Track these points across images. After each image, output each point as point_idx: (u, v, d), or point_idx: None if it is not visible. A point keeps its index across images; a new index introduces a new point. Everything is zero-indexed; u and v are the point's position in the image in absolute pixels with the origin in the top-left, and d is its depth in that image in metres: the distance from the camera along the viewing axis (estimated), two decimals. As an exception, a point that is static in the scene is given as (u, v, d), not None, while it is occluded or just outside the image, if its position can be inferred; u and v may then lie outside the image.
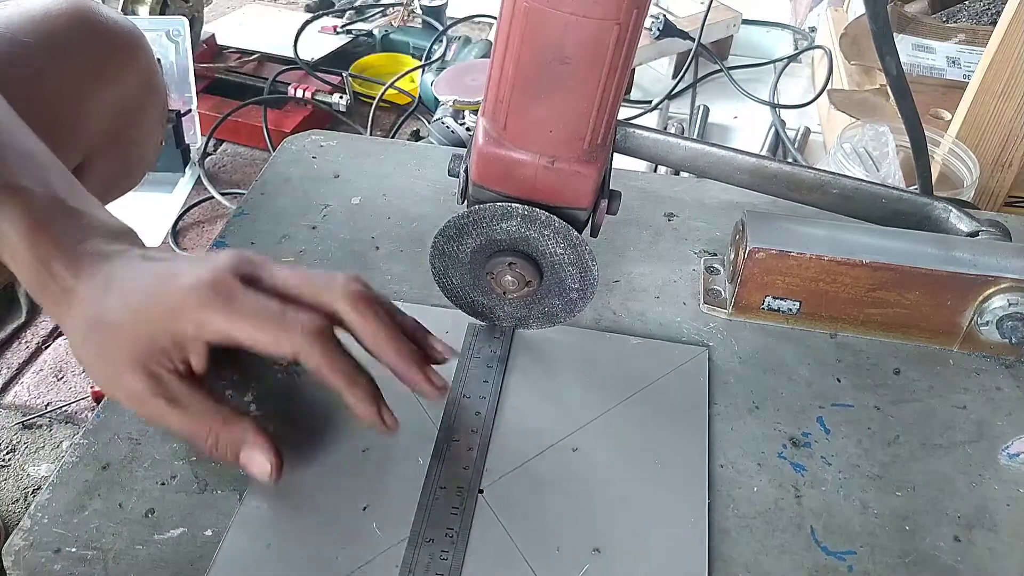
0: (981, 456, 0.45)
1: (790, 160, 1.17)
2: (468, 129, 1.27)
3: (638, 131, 0.56)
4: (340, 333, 0.39)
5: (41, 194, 0.42)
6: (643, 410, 0.46)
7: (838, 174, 0.56)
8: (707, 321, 0.52)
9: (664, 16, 1.30)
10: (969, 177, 0.88)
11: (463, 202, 0.43)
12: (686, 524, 0.40)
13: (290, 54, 1.52)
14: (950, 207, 0.55)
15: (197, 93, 1.32)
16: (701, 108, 1.30)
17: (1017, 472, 0.44)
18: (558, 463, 0.43)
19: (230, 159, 1.41)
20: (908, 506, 0.42)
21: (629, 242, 0.58)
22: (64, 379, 0.99)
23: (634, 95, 1.37)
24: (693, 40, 1.30)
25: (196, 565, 0.38)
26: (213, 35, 1.57)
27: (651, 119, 1.30)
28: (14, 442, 0.92)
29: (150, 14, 1.35)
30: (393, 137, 1.42)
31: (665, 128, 1.26)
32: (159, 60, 0.71)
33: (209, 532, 0.39)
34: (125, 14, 0.96)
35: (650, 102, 1.31)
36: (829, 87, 1.22)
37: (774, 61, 1.43)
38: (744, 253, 0.49)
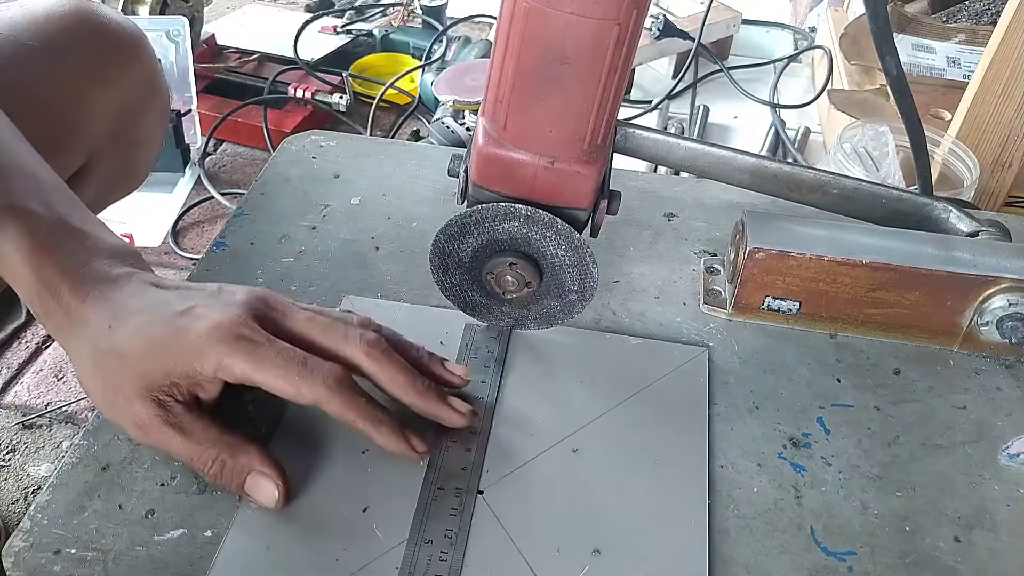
0: (981, 456, 0.45)
1: (790, 160, 1.17)
2: (468, 129, 1.27)
3: (638, 131, 0.56)
4: None
5: (44, 215, 0.42)
6: (643, 410, 0.46)
7: (838, 174, 0.56)
8: (707, 321, 0.52)
9: (664, 16, 1.30)
10: (969, 177, 0.88)
11: (463, 202, 0.43)
12: (686, 525, 0.40)
13: (290, 54, 1.52)
14: (950, 207, 0.55)
15: (197, 93, 1.32)
16: (701, 108, 1.30)
17: (1017, 472, 0.44)
18: (558, 464, 0.43)
19: (230, 159, 1.41)
20: (908, 506, 0.42)
21: (629, 242, 0.58)
22: (64, 379, 0.99)
23: (634, 95, 1.37)
24: (693, 40, 1.30)
25: (196, 566, 0.38)
26: (213, 35, 1.57)
27: (651, 119, 1.30)
28: (14, 442, 0.92)
29: (150, 14, 1.36)
30: (393, 137, 1.42)
31: (665, 128, 1.26)
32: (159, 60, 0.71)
33: (209, 533, 0.39)
34: (125, 14, 0.96)
35: (650, 102, 1.31)
36: (829, 87, 1.22)
37: (774, 61, 1.43)
38: (744, 253, 0.49)
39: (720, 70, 1.38)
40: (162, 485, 0.41)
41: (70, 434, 0.93)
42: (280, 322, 0.41)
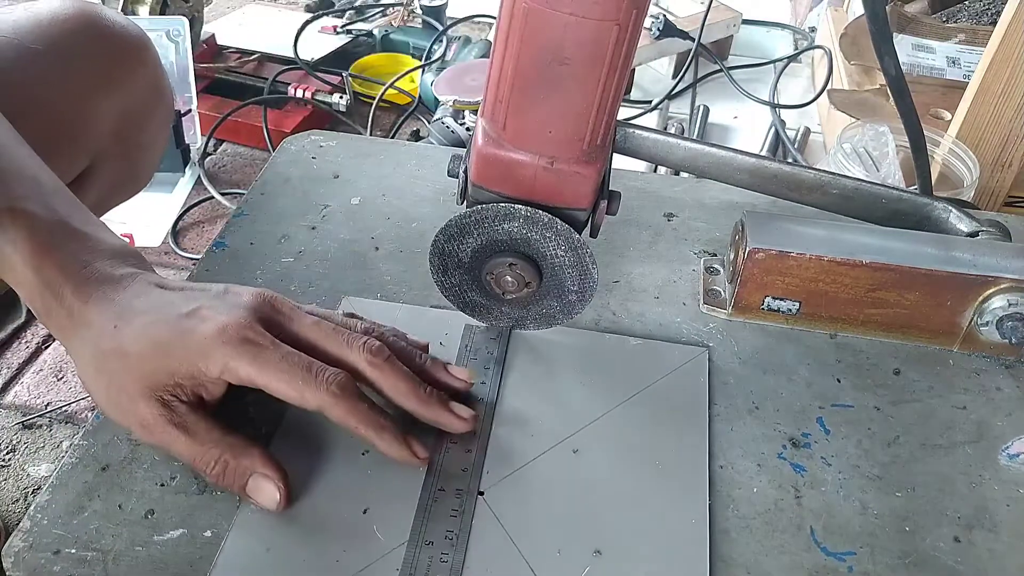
0: (981, 456, 0.45)
1: (790, 160, 1.17)
2: (468, 129, 1.27)
3: (638, 131, 0.56)
4: None
5: (45, 217, 0.42)
6: (643, 411, 0.46)
7: (838, 174, 0.56)
8: (707, 321, 0.52)
9: (664, 16, 1.30)
10: (969, 177, 0.88)
11: (462, 203, 0.43)
12: (687, 525, 0.40)
13: (290, 54, 1.52)
14: (950, 207, 0.55)
15: (197, 93, 1.32)
16: (701, 108, 1.30)
17: (1017, 472, 0.44)
18: (558, 464, 0.43)
19: (230, 159, 1.41)
20: (908, 507, 0.42)
21: (629, 242, 0.58)
22: (64, 379, 0.99)
23: (634, 95, 1.37)
24: (693, 40, 1.30)
25: (196, 566, 0.38)
26: (213, 35, 1.57)
27: (651, 119, 1.30)
28: (14, 442, 0.92)
29: (150, 14, 1.36)
30: (393, 137, 1.42)
31: (665, 128, 1.26)
32: (158, 61, 0.71)
33: (209, 533, 0.39)
34: (125, 14, 0.96)
35: (650, 102, 1.31)
36: (829, 87, 1.22)
37: (774, 61, 1.43)
38: (744, 253, 0.49)
39: (720, 70, 1.38)
40: (162, 485, 0.41)
41: (70, 434, 0.93)
42: (285, 326, 0.42)
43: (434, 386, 0.43)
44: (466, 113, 1.30)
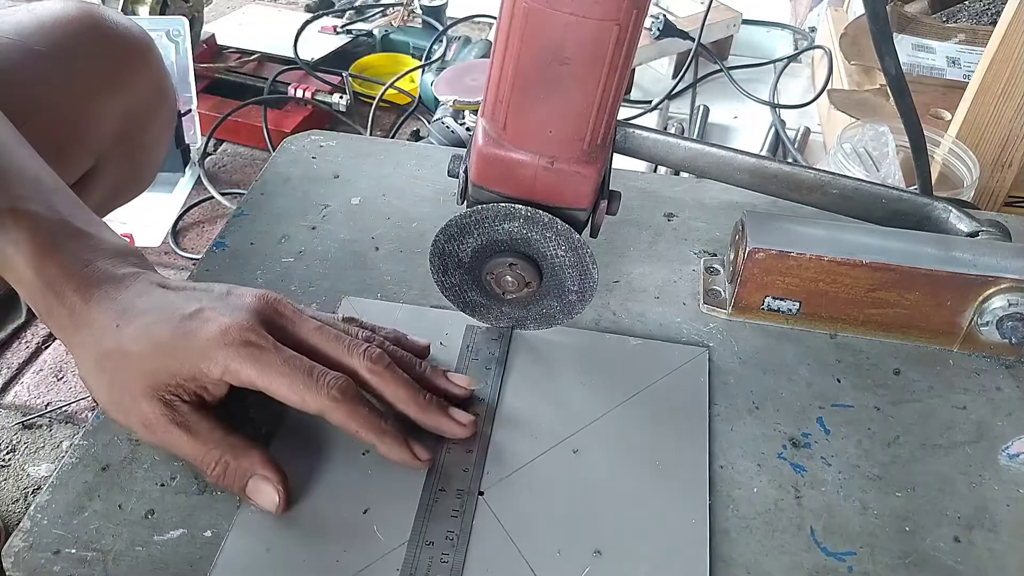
0: (981, 456, 0.45)
1: (790, 160, 1.17)
2: (468, 129, 1.27)
3: (638, 131, 0.56)
4: None
5: (47, 217, 0.42)
6: (643, 411, 0.46)
7: (838, 174, 0.56)
8: (707, 321, 0.52)
9: (664, 16, 1.30)
10: (969, 177, 0.88)
11: (463, 203, 0.43)
12: (687, 525, 0.40)
13: (290, 54, 1.52)
14: (950, 207, 0.55)
15: (197, 93, 1.32)
16: (701, 108, 1.30)
17: (1017, 472, 0.44)
18: (558, 465, 0.43)
19: (230, 159, 1.41)
20: (908, 507, 0.42)
21: (629, 242, 0.58)
22: (64, 379, 0.99)
23: (634, 95, 1.37)
24: (693, 40, 1.30)
25: (196, 567, 0.38)
26: (213, 35, 1.57)
27: (651, 119, 1.30)
28: (14, 442, 0.92)
29: (150, 14, 1.35)
30: (393, 137, 1.42)
31: (665, 128, 1.26)
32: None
33: (209, 533, 0.39)
34: (125, 14, 0.96)
35: (650, 102, 1.31)
36: (829, 87, 1.22)
37: (774, 61, 1.43)
38: (744, 253, 0.49)
39: (720, 70, 1.38)
40: (162, 485, 0.41)
41: (70, 434, 0.93)
42: (288, 329, 0.42)
43: (434, 393, 0.43)
44: (466, 113, 1.30)
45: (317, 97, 1.43)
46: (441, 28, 1.61)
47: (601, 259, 0.45)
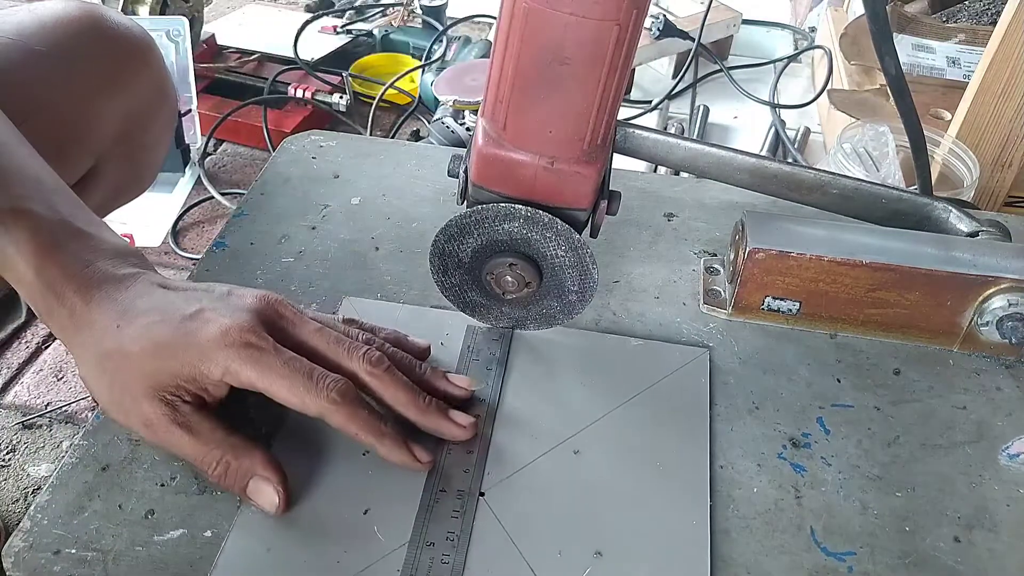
0: (981, 456, 0.45)
1: (790, 160, 1.17)
2: (468, 129, 1.27)
3: (638, 131, 0.56)
4: None
5: (47, 217, 0.42)
6: (644, 411, 0.46)
7: (838, 174, 0.56)
8: (707, 322, 0.52)
9: (664, 16, 1.30)
10: (969, 177, 0.88)
11: (463, 203, 0.43)
12: (688, 525, 0.40)
13: (290, 54, 1.52)
14: (950, 207, 0.55)
15: (197, 93, 1.32)
16: (701, 108, 1.30)
17: (1017, 472, 0.44)
18: (559, 465, 0.43)
19: (230, 159, 1.41)
20: (908, 507, 0.42)
21: (629, 242, 0.58)
22: (64, 379, 0.99)
23: (634, 95, 1.37)
24: (693, 40, 1.30)
25: (196, 567, 0.38)
26: (213, 35, 1.57)
27: (651, 119, 1.30)
28: (14, 442, 0.92)
29: (150, 14, 1.35)
30: (393, 137, 1.42)
31: (665, 128, 1.26)
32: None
33: (209, 533, 0.39)
34: (125, 14, 0.96)
35: (650, 102, 1.31)
36: (829, 87, 1.22)
37: (774, 61, 1.43)
38: (744, 253, 0.49)
39: (720, 70, 1.38)
40: (162, 485, 0.41)
41: (70, 434, 0.93)
42: (288, 331, 0.42)
43: (434, 395, 0.43)
44: (466, 113, 1.30)
45: (317, 97, 1.43)
46: (441, 28, 1.61)
47: (601, 259, 0.45)
